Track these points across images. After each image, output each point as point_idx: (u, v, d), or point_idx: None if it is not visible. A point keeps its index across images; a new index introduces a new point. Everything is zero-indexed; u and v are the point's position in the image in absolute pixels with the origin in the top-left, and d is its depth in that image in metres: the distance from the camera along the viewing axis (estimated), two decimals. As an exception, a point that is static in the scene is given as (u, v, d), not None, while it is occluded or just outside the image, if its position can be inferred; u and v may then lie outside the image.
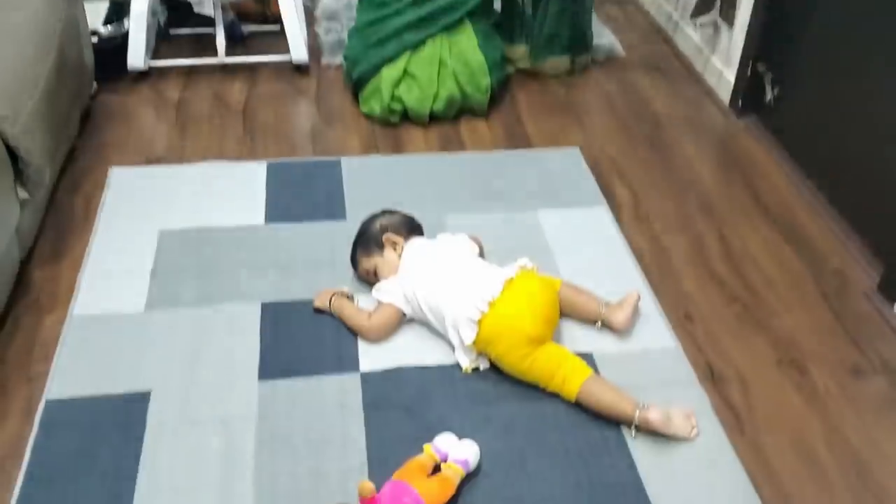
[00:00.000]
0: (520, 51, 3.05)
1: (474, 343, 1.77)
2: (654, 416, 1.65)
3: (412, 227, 2.06)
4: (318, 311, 1.96)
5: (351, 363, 1.83)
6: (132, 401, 1.72)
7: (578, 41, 3.03)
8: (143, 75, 2.94)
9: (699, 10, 2.93)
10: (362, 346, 1.87)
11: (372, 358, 1.84)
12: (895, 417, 1.78)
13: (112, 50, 2.84)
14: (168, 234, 2.19)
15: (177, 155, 2.55)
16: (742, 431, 1.73)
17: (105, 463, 1.60)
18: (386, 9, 2.74)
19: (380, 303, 1.91)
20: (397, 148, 2.65)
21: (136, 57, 2.85)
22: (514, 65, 3.07)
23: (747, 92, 2.80)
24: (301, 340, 1.89)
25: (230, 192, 2.37)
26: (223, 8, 2.99)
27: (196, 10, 2.85)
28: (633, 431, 1.67)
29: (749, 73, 2.76)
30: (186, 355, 1.83)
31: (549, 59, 3.03)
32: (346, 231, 2.20)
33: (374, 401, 1.74)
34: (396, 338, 1.90)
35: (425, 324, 1.91)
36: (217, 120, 2.75)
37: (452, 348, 1.84)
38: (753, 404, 1.80)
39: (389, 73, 2.70)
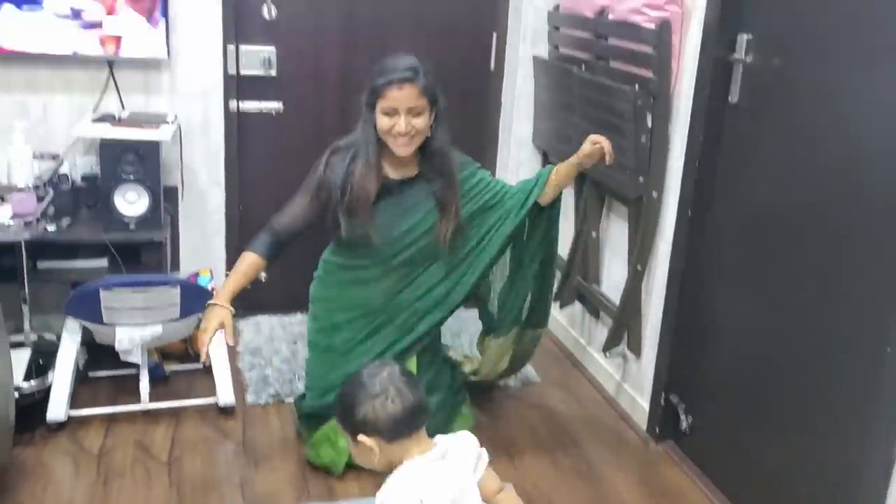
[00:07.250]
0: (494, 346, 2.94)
1: None
2: None
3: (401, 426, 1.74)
4: None
5: None
6: None
7: (535, 310, 2.86)
8: (62, 425, 2.85)
9: (610, 344, 3.14)
10: None
11: None
12: None
13: (31, 404, 2.77)
14: None
15: (98, 517, 2.42)
16: None
17: None
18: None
19: None
20: (330, 495, 2.60)
21: (58, 410, 2.78)
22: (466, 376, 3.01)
23: (663, 420, 2.94)
24: None
25: (158, 560, 2.23)
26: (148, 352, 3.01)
27: (123, 358, 2.87)
28: None
29: (662, 402, 2.92)
30: None
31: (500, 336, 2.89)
32: None
33: None
34: None
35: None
36: (141, 472, 2.65)
37: None
38: None
39: None
